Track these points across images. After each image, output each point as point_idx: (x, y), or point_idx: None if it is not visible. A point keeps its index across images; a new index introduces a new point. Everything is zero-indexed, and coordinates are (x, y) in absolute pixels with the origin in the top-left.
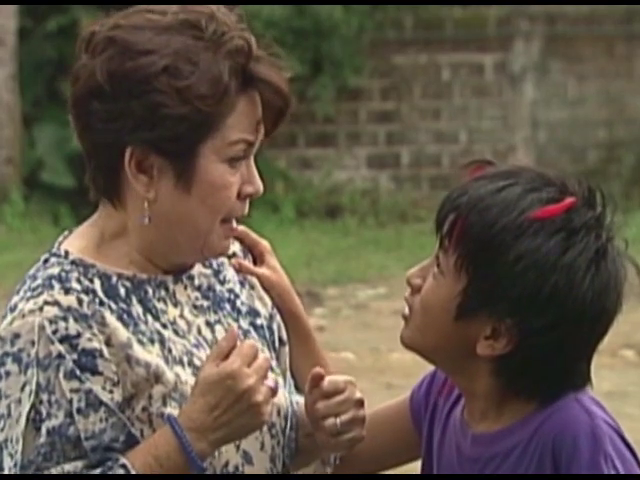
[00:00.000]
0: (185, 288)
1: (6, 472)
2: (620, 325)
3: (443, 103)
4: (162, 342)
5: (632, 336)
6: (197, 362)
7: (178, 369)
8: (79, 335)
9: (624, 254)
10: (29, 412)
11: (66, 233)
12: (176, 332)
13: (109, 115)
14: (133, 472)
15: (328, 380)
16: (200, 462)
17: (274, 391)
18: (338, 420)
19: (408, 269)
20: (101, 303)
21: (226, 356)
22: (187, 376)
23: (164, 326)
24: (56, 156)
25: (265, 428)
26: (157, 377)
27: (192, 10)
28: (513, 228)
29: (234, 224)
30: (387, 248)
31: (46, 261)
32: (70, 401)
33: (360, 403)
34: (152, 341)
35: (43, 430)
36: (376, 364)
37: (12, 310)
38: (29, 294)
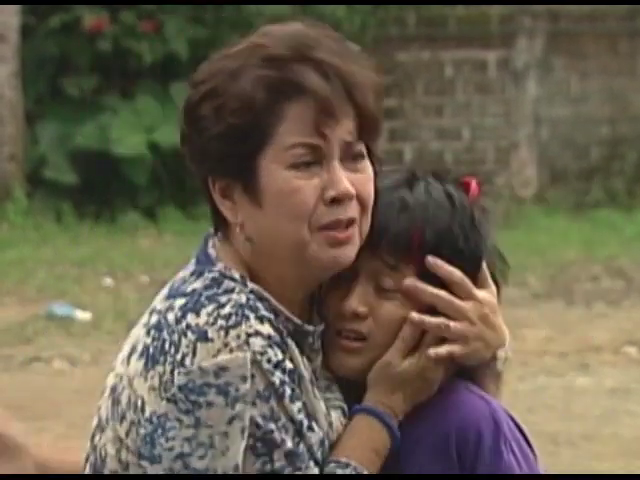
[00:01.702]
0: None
1: None
2: (623, 322)
3: (446, 100)
4: (317, 383)
5: (635, 333)
6: (339, 403)
7: (333, 413)
8: (284, 359)
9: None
10: (247, 448)
11: (214, 247)
12: (329, 380)
13: (189, 154)
14: (366, 472)
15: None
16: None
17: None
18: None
19: (343, 311)
20: (284, 335)
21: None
22: (338, 420)
23: (310, 381)
24: (59, 153)
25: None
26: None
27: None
28: (461, 222)
29: (340, 232)
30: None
31: (218, 282)
32: (300, 422)
33: None
34: (312, 382)
35: (278, 455)
36: None
37: (204, 339)
38: (222, 323)
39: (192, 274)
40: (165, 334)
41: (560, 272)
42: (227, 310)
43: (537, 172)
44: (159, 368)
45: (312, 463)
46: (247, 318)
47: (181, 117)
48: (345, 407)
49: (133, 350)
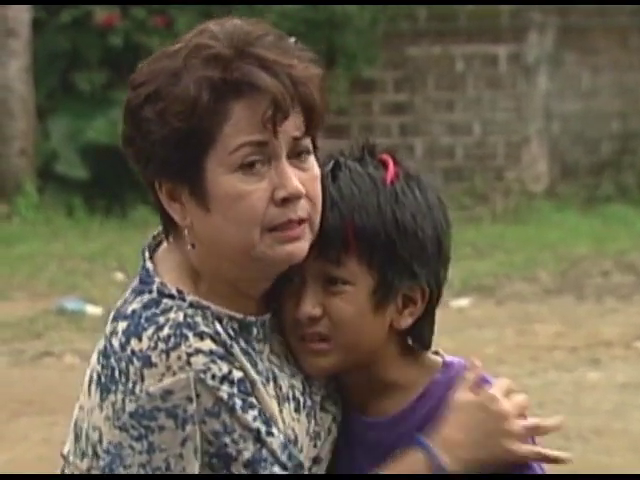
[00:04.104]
0: (273, 319)
1: None
2: (633, 317)
3: (457, 95)
4: (274, 379)
5: None
6: (297, 394)
7: (285, 409)
8: (230, 371)
9: None
10: (204, 465)
11: (151, 261)
12: (278, 366)
13: (134, 157)
14: None
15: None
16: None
17: (531, 431)
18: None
19: (297, 319)
20: (230, 347)
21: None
22: (290, 415)
23: (270, 362)
24: (70, 148)
25: (335, 428)
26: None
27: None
28: (390, 201)
29: (291, 228)
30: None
31: (156, 302)
32: (258, 429)
33: None
34: (268, 380)
35: (236, 467)
36: None
37: (149, 364)
38: (163, 346)
39: (132, 292)
40: (113, 361)
41: (571, 267)
42: (166, 332)
43: (548, 167)
44: (112, 397)
45: (277, 467)
46: (186, 338)
47: (123, 119)
48: (301, 398)
49: (91, 379)
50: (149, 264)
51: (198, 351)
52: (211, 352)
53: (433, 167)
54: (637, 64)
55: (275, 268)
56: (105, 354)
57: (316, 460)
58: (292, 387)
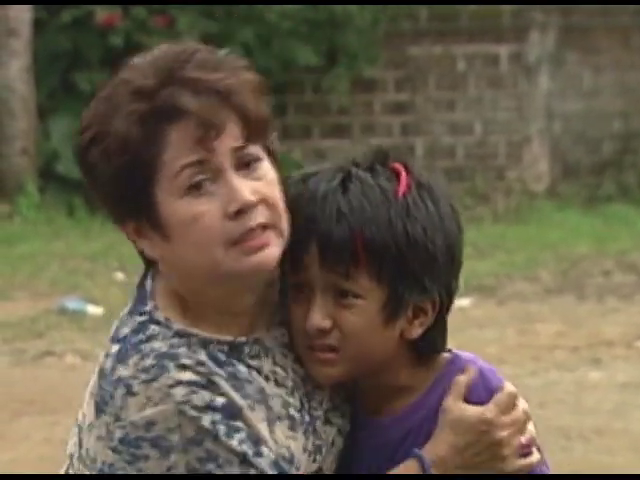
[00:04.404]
0: (268, 330)
1: None
2: (635, 317)
3: (458, 94)
4: (265, 401)
5: None
6: (292, 412)
7: (278, 428)
8: (212, 399)
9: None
10: None
11: (150, 274)
12: (277, 382)
13: (96, 200)
14: None
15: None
16: None
17: (526, 447)
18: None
19: (310, 330)
20: (212, 375)
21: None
22: (283, 434)
23: (267, 379)
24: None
25: (340, 440)
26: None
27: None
28: (400, 213)
29: (253, 238)
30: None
31: (144, 327)
32: (244, 453)
33: None
34: (259, 402)
35: None
36: None
37: (130, 393)
38: (143, 376)
39: (129, 313)
40: (105, 384)
41: (572, 267)
42: (148, 362)
43: (549, 166)
44: (105, 418)
45: None
46: (167, 369)
47: (79, 166)
48: (297, 415)
49: (91, 394)
50: (149, 283)
51: (178, 382)
52: (191, 383)
53: (434, 167)
54: (639, 64)
55: (249, 280)
56: (101, 374)
57: (319, 471)
58: (286, 405)
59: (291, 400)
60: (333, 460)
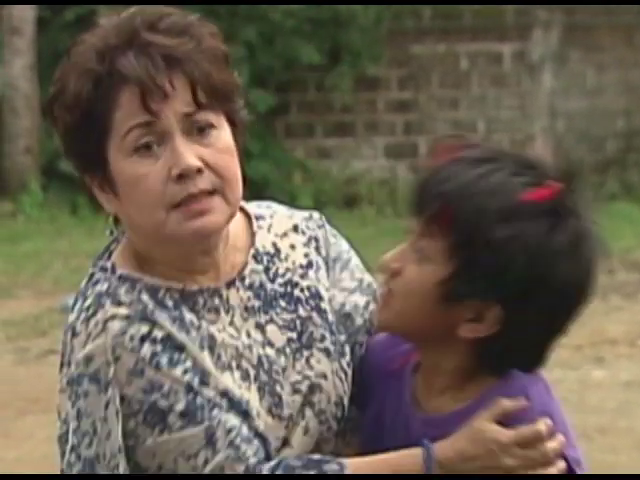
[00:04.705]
0: (237, 291)
1: None
2: (638, 315)
3: (461, 93)
4: (212, 348)
5: None
6: (245, 365)
7: (226, 375)
8: (151, 332)
9: (599, 238)
10: (139, 424)
11: (113, 245)
12: (231, 336)
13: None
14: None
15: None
16: None
17: None
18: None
19: (380, 262)
20: (152, 313)
21: (507, 417)
22: (233, 381)
23: (219, 330)
24: None
25: (311, 413)
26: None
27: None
28: (502, 213)
29: (196, 204)
30: (405, 238)
31: (92, 276)
32: (189, 382)
33: None
34: (202, 347)
35: (172, 418)
36: None
37: (74, 334)
38: (83, 315)
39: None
40: (63, 336)
41: None
42: (88, 302)
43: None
44: (63, 370)
45: (217, 410)
46: (103, 305)
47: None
48: (252, 371)
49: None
50: (113, 245)
51: (114, 316)
52: (127, 317)
53: None
54: None
55: (189, 244)
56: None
57: (286, 442)
58: (239, 357)
59: (246, 353)
60: (306, 442)
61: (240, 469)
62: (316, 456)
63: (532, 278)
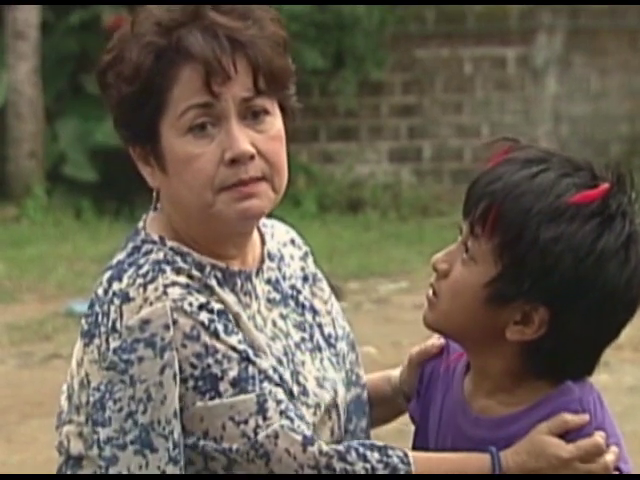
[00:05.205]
0: (260, 282)
1: (164, 453)
2: None
3: (465, 97)
4: (256, 328)
5: None
6: (276, 352)
7: (269, 356)
8: (209, 302)
9: None
10: (190, 389)
11: (144, 221)
12: (255, 326)
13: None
14: (413, 469)
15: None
16: None
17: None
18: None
19: (430, 263)
20: (208, 285)
21: (566, 432)
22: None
23: (248, 318)
24: (79, 150)
25: (321, 409)
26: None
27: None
28: (550, 214)
29: (245, 187)
30: (409, 242)
31: (138, 248)
32: (244, 350)
33: None
34: (254, 325)
35: (224, 385)
36: (398, 358)
37: (126, 299)
38: (140, 281)
39: (120, 249)
40: (97, 308)
41: None
42: (145, 269)
43: None
44: (96, 341)
45: (267, 383)
46: (163, 271)
47: (98, 81)
48: (283, 358)
49: (79, 337)
50: (140, 223)
51: (175, 283)
52: (187, 285)
53: (441, 169)
54: None
55: (236, 225)
56: (91, 305)
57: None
58: (269, 346)
59: (271, 344)
60: (329, 436)
61: (297, 439)
62: (379, 442)
63: (579, 280)
